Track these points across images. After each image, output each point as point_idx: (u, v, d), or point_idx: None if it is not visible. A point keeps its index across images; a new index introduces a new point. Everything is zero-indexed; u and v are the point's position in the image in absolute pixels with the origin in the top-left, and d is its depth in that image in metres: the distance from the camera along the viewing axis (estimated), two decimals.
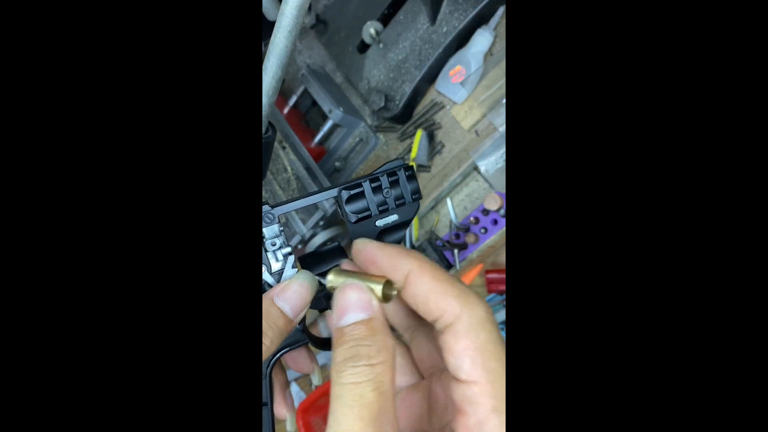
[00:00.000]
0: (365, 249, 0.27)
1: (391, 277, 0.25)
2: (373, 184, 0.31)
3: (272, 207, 0.30)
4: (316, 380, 0.34)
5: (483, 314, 0.22)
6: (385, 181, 0.31)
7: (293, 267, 0.30)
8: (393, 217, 0.31)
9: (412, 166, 0.32)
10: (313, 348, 0.32)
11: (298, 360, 0.34)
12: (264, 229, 0.29)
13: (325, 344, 0.32)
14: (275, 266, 0.30)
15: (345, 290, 0.24)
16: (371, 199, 0.31)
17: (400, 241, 0.31)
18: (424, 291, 0.24)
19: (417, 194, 0.31)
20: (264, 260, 0.30)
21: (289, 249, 0.30)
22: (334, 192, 0.31)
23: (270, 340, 0.26)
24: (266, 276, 0.30)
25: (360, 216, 0.30)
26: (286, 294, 0.27)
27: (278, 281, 0.30)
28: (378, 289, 0.24)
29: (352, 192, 0.30)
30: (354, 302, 0.24)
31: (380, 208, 0.31)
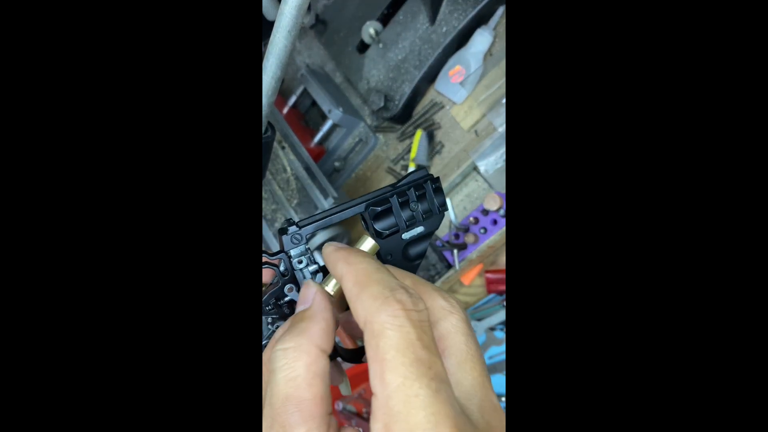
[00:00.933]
0: (325, 251, 0.27)
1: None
2: (401, 199, 0.30)
3: (299, 227, 0.29)
4: (344, 390, 0.33)
5: (385, 319, 0.21)
6: (412, 194, 0.30)
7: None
8: (419, 229, 0.31)
9: (438, 178, 0.32)
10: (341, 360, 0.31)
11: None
12: (291, 251, 0.29)
13: (355, 356, 0.31)
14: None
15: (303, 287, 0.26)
16: (399, 214, 0.30)
17: (425, 251, 0.31)
18: (348, 297, 0.23)
19: (444, 206, 0.31)
20: (297, 278, 0.29)
21: (316, 266, 0.29)
22: (360, 208, 0.30)
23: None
24: (294, 295, 0.29)
25: (389, 232, 0.30)
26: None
27: None
28: (331, 285, 0.27)
29: (379, 209, 0.30)
30: (301, 296, 0.26)
31: (407, 223, 0.30)
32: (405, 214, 0.30)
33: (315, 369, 0.22)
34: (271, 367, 0.22)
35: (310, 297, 0.25)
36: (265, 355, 0.25)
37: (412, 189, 0.30)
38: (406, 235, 0.31)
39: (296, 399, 0.21)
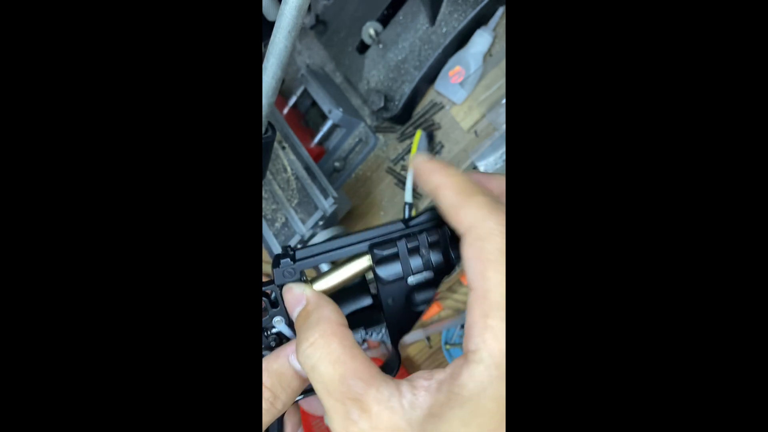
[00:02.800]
0: (415, 162, 0.27)
1: (429, 190, 0.26)
2: (410, 245, 0.27)
3: (294, 260, 0.27)
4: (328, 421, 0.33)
5: (492, 226, 0.23)
6: (424, 240, 0.27)
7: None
8: (427, 274, 0.27)
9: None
10: None
11: (312, 402, 0.34)
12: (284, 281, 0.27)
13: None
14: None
15: (285, 293, 0.27)
16: (406, 262, 0.27)
17: (432, 299, 0.28)
18: (446, 205, 0.25)
19: (459, 258, 0.27)
20: (281, 311, 0.28)
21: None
22: (363, 247, 0.27)
23: (282, 403, 0.26)
24: (282, 327, 0.28)
25: (393, 279, 0.27)
26: None
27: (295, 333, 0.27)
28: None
29: (384, 254, 0.27)
30: (290, 301, 0.27)
31: (415, 271, 0.27)
32: (414, 262, 0.27)
33: (348, 342, 0.24)
34: (309, 366, 0.23)
35: (300, 295, 0.26)
36: (268, 380, 0.26)
37: (424, 234, 0.27)
38: (411, 280, 0.27)
39: (350, 372, 0.23)
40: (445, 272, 0.28)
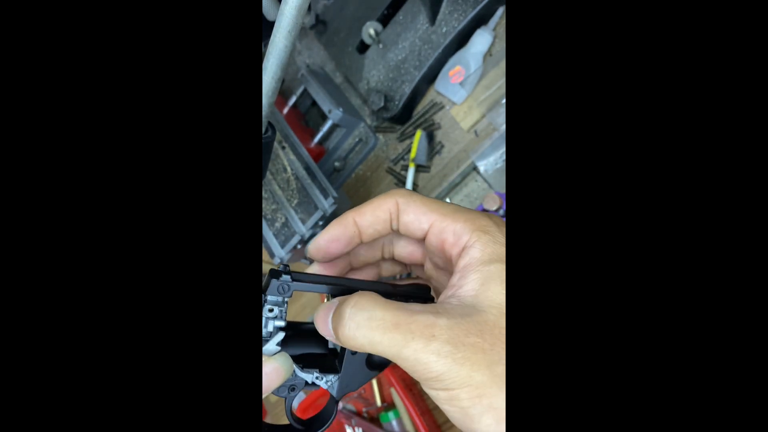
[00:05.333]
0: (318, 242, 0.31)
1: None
2: None
3: (293, 279, 0.28)
4: None
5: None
6: None
7: (278, 344, 0.28)
8: None
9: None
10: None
11: None
12: (270, 296, 0.27)
13: (310, 426, 0.30)
14: (263, 333, 0.28)
15: (318, 313, 0.28)
16: None
17: (386, 366, 0.30)
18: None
19: None
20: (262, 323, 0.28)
21: (283, 324, 0.28)
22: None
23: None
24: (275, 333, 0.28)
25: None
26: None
27: None
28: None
29: None
30: (322, 316, 0.27)
31: None
32: None
33: (384, 304, 0.25)
34: (361, 320, 0.24)
35: (330, 306, 0.27)
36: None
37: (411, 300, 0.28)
38: None
39: (405, 320, 0.24)
40: None
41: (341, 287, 0.29)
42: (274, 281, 0.27)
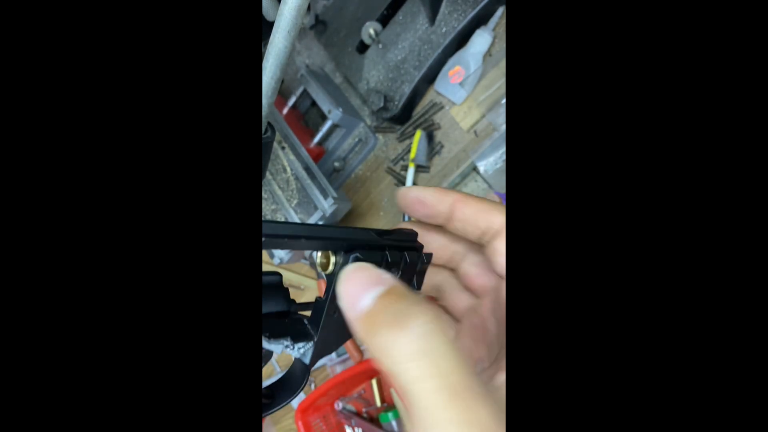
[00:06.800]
0: (410, 193, 0.29)
1: (438, 209, 0.28)
2: (391, 258, 0.24)
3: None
4: None
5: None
6: (405, 258, 0.25)
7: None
8: None
9: (431, 255, 0.28)
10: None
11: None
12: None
13: (276, 398, 0.25)
14: None
15: (350, 273, 0.20)
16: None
17: None
18: (471, 213, 0.27)
19: (420, 286, 0.27)
20: None
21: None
22: (340, 245, 0.23)
23: None
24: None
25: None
26: None
27: None
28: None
29: (365, 261, 0.22)
30: (362, 282, 0.19)
31: None
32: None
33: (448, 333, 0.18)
34: (424, 347, 0.17)
35: (379, 276, 0.19)
36: None
37: (405, 252, 0.25)
38: None
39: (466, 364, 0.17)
40: None
41: (314, 241, 0.22)
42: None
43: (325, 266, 0.24)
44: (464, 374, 0.17)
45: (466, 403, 0.16)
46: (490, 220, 0.26)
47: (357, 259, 0.22)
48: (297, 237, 0.22)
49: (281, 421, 0.92)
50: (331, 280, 0.23)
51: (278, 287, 0.26)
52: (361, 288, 0.19)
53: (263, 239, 0.21)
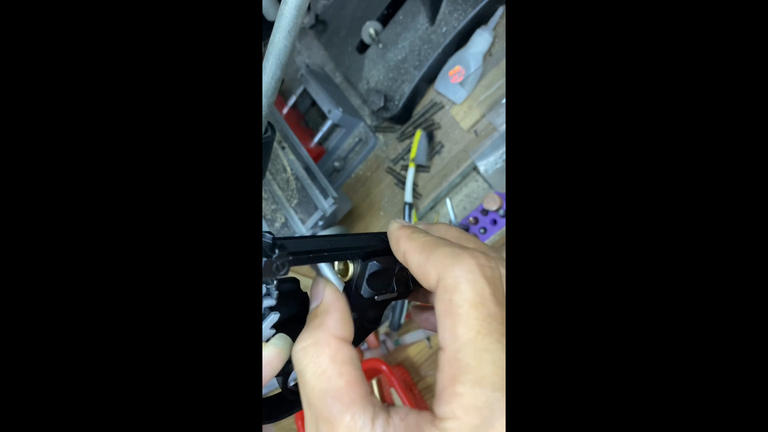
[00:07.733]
0: (390, 228, 0.28)
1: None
2: (398, 265, 0.26)
3: (290, 254, 0.23)
4: None
5: (459, 274, 0.21)
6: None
7: (271, 327, 0.25)
8: (391, 295, 0.28)
9: None
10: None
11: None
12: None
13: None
14: None
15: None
16: (390, 279, 0.27)
17: (379, 321, 0.28)
18: (415, 266, 0.24)
19: (411, 291, 0.29)
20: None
21: (273, 302, 0.25)
22: (357, 254, 0.26)
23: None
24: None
25: (381, 298, 0.26)
26: None
27: None
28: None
29: (378, 268, 0.26)
30: (312, 293, 0.25)
31: (390, 289, 0.27)
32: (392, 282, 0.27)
33: (340, 358, 0.22)
34: (298, 369, 0.22)
35: (320, 292, 0.25)
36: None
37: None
38: (378, 297, 0.27)
39: (331, 390, 0.21)
40: (400, 297, 0.28)
41: (336, 253, 0.25)
42: (266, 262, 0.24)
43: (344, 273, 0.27)
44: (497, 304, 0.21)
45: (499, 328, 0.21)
46: (428, 276, 0.23)
47: (374, 266, 0.26)
48: (320, 251, 0.24)
49: (281, 421, 0.92)
50: (350, 285, 0.26)
51: (296, 293, 0.27)
52: (311, 298, 0.25)
53: (290, 258, 0.23)
